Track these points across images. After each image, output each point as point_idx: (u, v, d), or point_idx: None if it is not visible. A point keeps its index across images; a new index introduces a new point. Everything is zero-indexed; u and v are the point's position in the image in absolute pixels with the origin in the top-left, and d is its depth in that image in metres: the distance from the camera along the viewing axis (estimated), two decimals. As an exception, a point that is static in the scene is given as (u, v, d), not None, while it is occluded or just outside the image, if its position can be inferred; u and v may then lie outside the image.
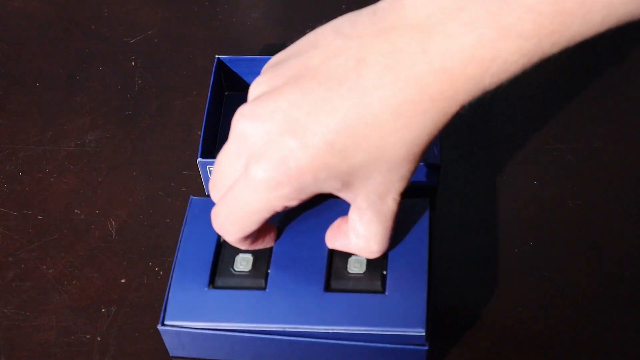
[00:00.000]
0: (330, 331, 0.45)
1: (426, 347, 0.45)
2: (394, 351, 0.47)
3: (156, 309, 0.51)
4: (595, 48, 0.66)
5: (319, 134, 0.37)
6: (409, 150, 0.38)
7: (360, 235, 0.44)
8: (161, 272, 0.54)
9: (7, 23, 0.72)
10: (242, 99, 0.63)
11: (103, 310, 0.53)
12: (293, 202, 0.40)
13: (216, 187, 0.44)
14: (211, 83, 0.60)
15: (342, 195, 0.41)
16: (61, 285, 0.54)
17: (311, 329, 0.45)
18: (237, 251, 0.48)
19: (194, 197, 0.52)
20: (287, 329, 0.45)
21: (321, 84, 0.37)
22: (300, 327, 0.45)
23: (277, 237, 0.49)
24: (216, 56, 0.62)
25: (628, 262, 0.54)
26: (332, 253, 0.48)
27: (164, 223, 0.57)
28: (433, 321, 0.49)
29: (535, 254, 0.54)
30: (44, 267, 0.55)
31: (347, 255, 0.47)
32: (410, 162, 0.38)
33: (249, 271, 0.47)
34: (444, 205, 0.57)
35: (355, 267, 0.47)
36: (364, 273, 0.47)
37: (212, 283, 0.47)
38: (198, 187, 0.59)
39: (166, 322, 0.46)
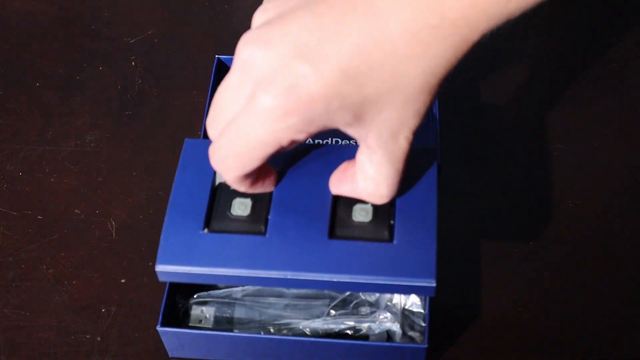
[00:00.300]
0: (335, 280, 0.42)
1: (425, 346, 0.45)
2: (394, 350, 0.47)
3: (156, 308, 0.51)
4: (596, 48, 0.66)
5: (332, 59, 0.35)
6: (426, 80, 0.36)
7: (369, 177, 0.41)
8: (161, 272, 0.54)
9: (7, 23, 0.72)
10: (242, 99, 0.64)
11: (103, 310, 0.53)
12: (301, 136, 0.38)
13: (215, 121, 0.41)
14: (211, 83, 0.60)
15: (352, 131, 0.39)
16: (61, 285, 0.54)
17: (314, 277, 0.42)
18: (234, 195, 0.45)
19: (188, 139, 0.48)
20: (288, 276, 0.42)
21: (334, 7, 0.35)
22: (302, 274, 0.42)
23: (277, 182, 0.46)
24: (216, 56, 0.62)
25: (629, 261, 0.54)
26: (336, 200, 0.45)
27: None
28: (432, 320, 0.49)
29: (536, 253, 0.54)
30: (44, 267, 0.55)
31: (352, 202, 0.44)
32: (426, 94, 0.36)
33: (247, 215, 0.44)
34: (443, 205, 0.57)
35: (361, 215, 0.44)
36: (371, 221, 0.44)
37: (207, 226, 0.44)
38: (198, 187, 0.59)
39: (158, 267, 0.43)
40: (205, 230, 0.44)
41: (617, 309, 0.51)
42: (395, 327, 0.48)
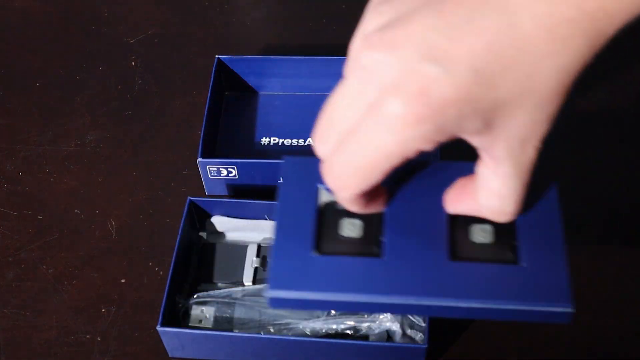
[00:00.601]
0: (461, 306, 0.39)
1: (425, 346, 0.45)
2: (394, 350, 0.46)
3: (156, 308, 0.51)
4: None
5: (463, 59, 0.32)
6: (561, 80, 0.34)
7: (493, 193, 0.38)
8: (161, 272, 0.54)
9: (7, 23, 0.72)
10: (242, 99, 0.64)
11: (103, 310, 0.53)
12: (430, 145, 0.35)
13: (326, 136, 0.38)
14: (211, 83, 0.60)
15: (479, 140, 0.36)
16: (61, 285, 0.54)
17: (438, 302, 0.39)
18: (342, 215, 0.42)
19: (287, 157, 0.45)
20: (409, 302, 0.40)
21: (461, 4, 0.33)
22: (424, 300, 0.39)
23: (388, 200, 0.43)
24: (216, 56, 0.62)
25: (629, 261, 0.54)
26: (453, 219, 0.42)
27: (164, 223, 0.57)
28: (432, 320, 0.49)
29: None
30: (44, 267, 0.55)
31: (469, 222, 0.41)
32: (559, 95, 0.34)
33: (359, 236, 0.42)
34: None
35: (481, 236, 0.41)
36: (492, 242, 0.41)
37: (317, 249, 0.42)
38: (198, 187, 0.59)
39: (270, 293, 0.40)
40: (316, 253, 0.42)
41: (617, 309, 0.51)
42: (395, 327, 0.48)
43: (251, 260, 0.52)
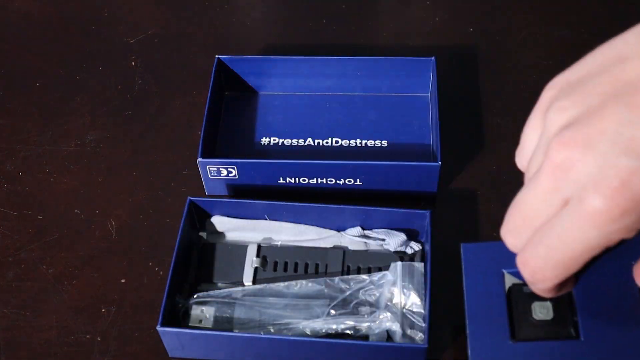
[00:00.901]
0: None
1: (425, 346, 0.45)
2: (394, 350, 0.46)
3: (156, 308, 0.51)
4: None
5: None
6: None
7: None
8: (161, 272, 0.54)
9: (7, 23, 0.72)
10: (242, 99, 0.64)
11: (103, 310, 0.53)
12: (632, 234, 0.36)
13: (519, 230, 0.39)
14: (211, 83, 0.60)
15: None
16: (61, 285, 0.54)
17: None
18: (531, 299, 0.44)
19: (464, 244, 0.47)
20: None
21: None
22: None
23: (577, 280, 0.43)
24: (216, 56, 0.62)
25: (628, 262, 0.54)
26: None
27: (164, 223, 0.57)
28: (433, 320, 0.49)
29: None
30: (44, 267, 0.55)
31: None
32: None
33: (552, 319, 0.43)
34: (443, 205, 0.57)
35: None
36: None
37: (513, 335, 0.43)
38: (198, 187, 0.59)
39: None
40: (513, 340, 0.43)
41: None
42: (396, 327, 0.48)
43: (251, 260, 0.52)
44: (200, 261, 0.53)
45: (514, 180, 0.60)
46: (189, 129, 0.63)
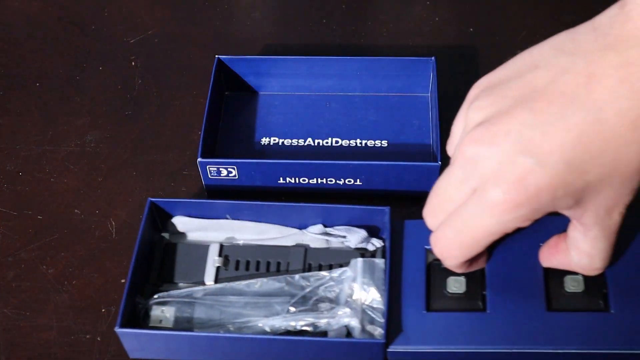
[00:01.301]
0: (560, 352, 0.44)
1: (383, 341, 0.46)
2: (352, 345, 0.47)
3: (156, 309, 0.51)
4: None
5: (556, 152, 0.37)
6: None
7: (583, 252, 0.43)
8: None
9: (7, 23, 0.72)
10: (242, 99, 0.64)
11: (103, 310, 0.53)
12: (526, 223, 0.40)
13: (435, 213, 0.43)
14: (211, 83, 0.60)
15: (570, 212, 0.41)
16: (61, 285, 0.54)
17: (538, 350, 0.44)
18: (447, 273, 0.48)
19: (408, 221, 0.51)
20: (513, 351, 0.45)
21: (552, 102, 0.38)
22: (526, 348, 0.44)
23: (489, 259, 0.48)
24: (216, 56, 0.62)
25: (628, 262, 0.54)
26: (547, 271, 0.47)
27: (164, 223, 0.57)
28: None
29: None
30: (44, 267, 0.55)
31: (563, 273, 0.47)
32: None
33: (464, 293, 0.47)
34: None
35: (573, 286, 0.46)
36: (584, 291, 0.46)
37: (428, 306, 0.47)
38: (198, 187, 0.59)
39: (391, 348, 0.46)
40: (427, 310, 0.47)
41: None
42: (354, 323, 0.48)
43: (213, 260, 0.52)
44: (162, 262, 0.53)
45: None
46: (189, 129, 0.63)
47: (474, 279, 0.48)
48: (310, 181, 0.57)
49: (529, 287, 0.47)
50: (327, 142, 0.61)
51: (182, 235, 0.55)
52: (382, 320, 0.48)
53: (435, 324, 0.46)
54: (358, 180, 0.56)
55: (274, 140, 0.61)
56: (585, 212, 0.40)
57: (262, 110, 0.63)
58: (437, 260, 0.47)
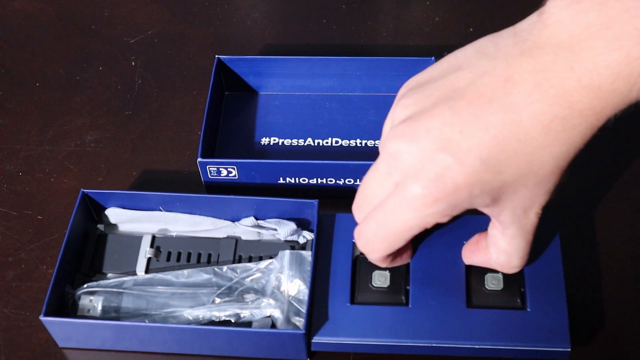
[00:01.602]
0: (476, 347, 0.46)
1: (303, 332, 0.46)
2: (273, 335, 0.47)
3: (156, 309, 0.51)
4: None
5: (473, 150, 0.38)
6: (556, 164, 0.39)
7: (501, 250, 0.45)
8: (161, 272, 0.54)
9: (7, 23, 0.72)
10: (242, 99, 0.64)
11: (103, 310, 0.53)
12: (445, 219, 0.41)
13: (361, 206, 0.45)
14: (211, 83, 0.60)
15: (488, 210, 0.42)
16: (61, 285, 0.54)
17: (456, 345, 0.46)
18: (373, 268, 0.49)
19: (325, 214, 0.52)
20: (432, 345, 0.46)
21: (471, 103, 0.39)
22: (445, 343, 0.46)
23: (413, 254, 0.50)
24: (216, 56, 0.62)
25: (629, 261, 0.54)
26: (469, 269, 0.49)
27: (164, 223, 0.57)
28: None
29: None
30: (44, 267, 0.55)
31: (484, 271, 0.48)
32: (556, 175, 0.40)
33: (388, 287, 0.48)
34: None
35: (493, 284, 0.48)
36: (503, 289, 0.48)
37: (352, 298, 0.48)
38: (198, 187, 0.59)
39: (314, 339, 0.47)
40: (351, 303, 0.48)
41: (617, 309, 0.51)
42: (277, 314, 0.49)
43: (145, 251, 0.53)
44: (95, 253, 0.53)
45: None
46: (189, 129, 0.63)
47: (399, 274, 0.49)
48: (310, 181, 0.57)
49: (450, 284, 0.48)
50: (327, 142, 0.61)
51: (116, 226, 0.55)
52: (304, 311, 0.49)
53: (359, 316, 0.47)
54: (358, 180, 0.56)
55: (274, 140, 0.61)
56: (503, 211, 0.41)
57: (262, 110, 0.63)
58: (364, 254, 0.48)
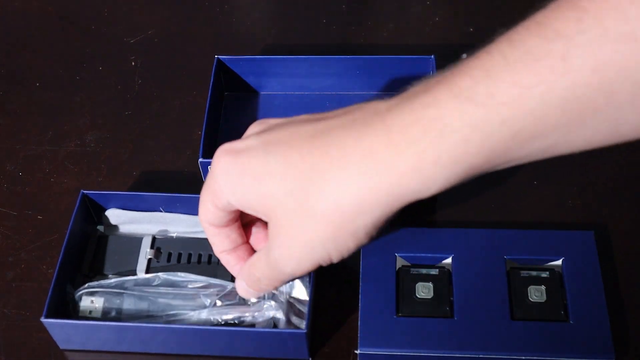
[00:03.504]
0: (521, 358, 0.46)
1: (305, 331, 0.47)
2: (275, 335, 0.47)
3: (156, 308, 0.51)
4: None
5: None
6: (366, 229, 0.40)
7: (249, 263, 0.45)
8: (161, 272, 0.54)
9: (7, 23, 0.72)
10: (242, 99, 0.64)
11: (103, 310, 0.53)
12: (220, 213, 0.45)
13: None
14: (211, 83, 0.60)
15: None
16: (61, 285, 0.54)
17: (500, 356, 0.47)
18: (416, 279, 0.50)
19: None
20: (478, 357, 0.47)
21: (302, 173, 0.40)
22: (490, 355, 0.47)
23: (455, 267, 0.50)
24: (216, 56, 0.62)
25: (629, 262, 0.54)
26: (511, 281, 0.50)
27: (164, 223, 0.57)
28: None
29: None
30: (44, 267, 0.55)
31: (526, 283, 0.49)
32: (367, 235, 0.41)
33: (432, 298, 0.49)
34: (443, 205, 0.57)
35: (536, 296, 0.49)
36: (545, 302, 0.49)
37: (398, 310, 0.49)
38: (198, 187, 0.59)
39: (361, 350, 0.47)
40: (397, 315, 0.49)
41: (618, 308, 0.51)
42: (280, 315, 0.49)
43: (145, 252, 0.53)
44: (95, 254, 0.53)
45: (515, 179, 0.60)
46: (189, 129, 0.63)
47: (442, 285, 0.50)
48: (310, 181, 0.57)
49: (493, 295, 0.49)
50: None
51: (117, 227, 0.55)
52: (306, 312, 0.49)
53: (406, 328, 0.48)
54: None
55: (274, 140, 0.61)
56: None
57: (262, 110, 0.63)
58: (407, 266, 0.50)
